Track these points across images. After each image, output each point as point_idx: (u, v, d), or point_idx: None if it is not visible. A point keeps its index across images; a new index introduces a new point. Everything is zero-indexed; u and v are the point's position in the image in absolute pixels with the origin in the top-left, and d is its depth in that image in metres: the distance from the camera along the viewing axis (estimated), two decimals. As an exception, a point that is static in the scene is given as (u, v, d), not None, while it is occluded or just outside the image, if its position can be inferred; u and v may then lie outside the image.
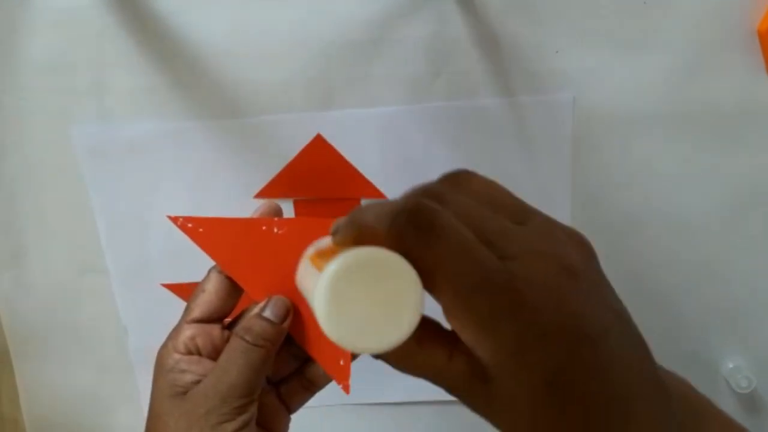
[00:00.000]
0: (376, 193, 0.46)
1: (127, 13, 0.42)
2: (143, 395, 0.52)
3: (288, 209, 0.47)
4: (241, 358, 0.32)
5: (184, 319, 0.34)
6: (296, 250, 0.32)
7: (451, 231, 0.23)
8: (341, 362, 0.32)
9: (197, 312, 0.34)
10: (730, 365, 0.48)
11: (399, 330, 0.23)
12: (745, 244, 0.45)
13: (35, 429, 0.53)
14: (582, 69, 0.42)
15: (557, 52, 0.42)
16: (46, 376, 0.52)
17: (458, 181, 0.27)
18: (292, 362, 0.36)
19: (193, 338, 0.33)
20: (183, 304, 0.49)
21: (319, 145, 0.45)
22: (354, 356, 0.34)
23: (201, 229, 0.34)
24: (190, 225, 0.34)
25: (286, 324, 0.33)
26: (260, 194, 0.46)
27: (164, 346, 0.34)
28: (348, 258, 0.22)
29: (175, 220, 0.34)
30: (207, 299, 0.34)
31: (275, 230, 0.34)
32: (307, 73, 0.43)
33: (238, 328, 0.33)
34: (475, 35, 0.42)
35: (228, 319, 0.36)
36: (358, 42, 0.42)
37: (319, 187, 0.46)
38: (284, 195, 0.46)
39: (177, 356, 0.33)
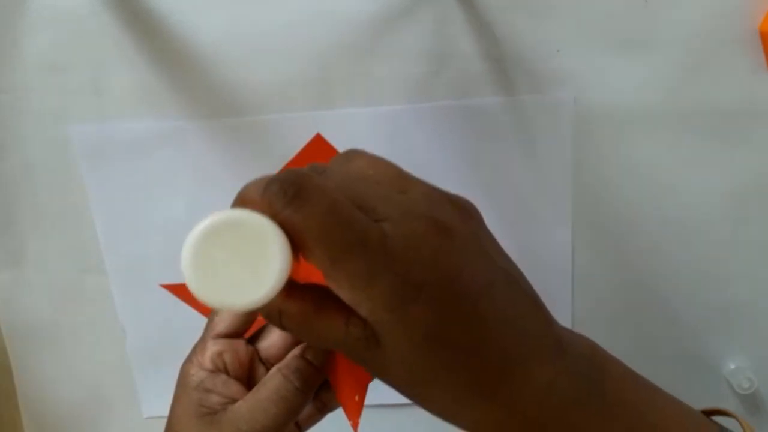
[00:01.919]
0: (375, 193, 0.45)
1: (125, 12, 0.42)
2: (142, 396, 0.52)
3: (287, 209, 0.46)
4: (283, 402, 0.31)
5: (209, 335, 0.34)
6: None
7: (320, 194, 0.23)
8: (356, 398, 0.32)
9: (222, 327, 0.34)
10: (732, 366, 0.48)
11: (263, 286, 0.23)
12: (748, 244, 0.45)
13: (34, 429, 0.53)
14: (583, 68, 0.42)
15: (558, 51, 0.42)
16: (44, 377, 0.52)
17: (346, 158, 0.27)
18: None
19: (220, 354, 0.33)
20: (182, 304, 0.49)
21: (318, 144, 0.44)
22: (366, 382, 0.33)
23: None
24: None
25: (325, 372, 0.33)
26: (259, 194, 0.46)
27: (189, 362, 0.33)
28: (212, 219, 0.23)
29: None
30: (231, 314, 0.34)
31: None
32: (306, 73, 0.43)
33: (285, 368, 0.32)
34: (475, 34, 0.42)
35: (248, 334, 0.35)
36: (358, 41, 0.42)
37: (319, 187, 0.46)
38: (284, 195, 0.46)
39: (203, 374, 0.32)
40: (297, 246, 0.24)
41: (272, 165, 0.45)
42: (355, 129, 0.44)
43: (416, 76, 0.43)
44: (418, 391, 0.26)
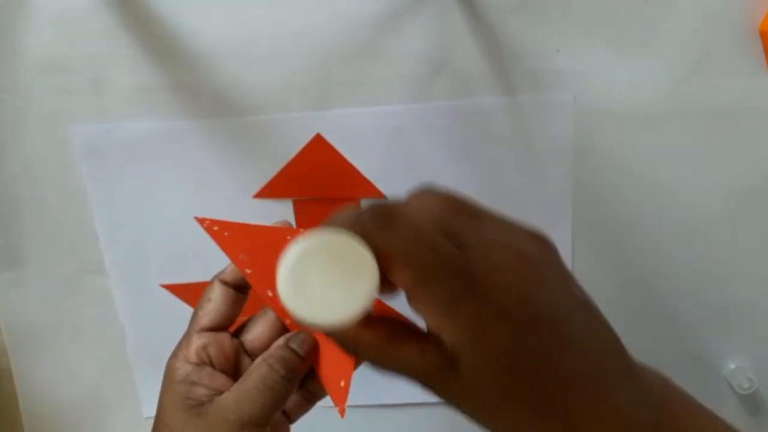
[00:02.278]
0: (375, 192, 0.45)
1: (126, 12, 0.42)
2: (142, 396, 0.52)
3: (287, 209, 0.46)
4: (269, 391, 0.32)
5: (193, 329, 0.34)
6: None
7: (408, 219, 0.25)
8: (342, 384, 0.32)
9: (206, 321, 0.34)
10: (732, 366, 0.48)
11: (353, 306, 0.24)
12: (747, 244, 0.45)
13: (34, 429, 0.53)
14: (583, 68, 0.42)
15: (558, 51, 0.42)
16: (44, 377, 0.52)
17: (422, 192, 0.28)
18: None
19: (204, 347, 0.34)
20: (182, 304, 0.49)
21: (318, 144, 0.45)
22: (356, 364, 0.34)
23: (226, 233, 0.35)
24: (216, 228, 0.35)
25: (309, 360, 0.34)
26: (259, 194, 0.46)
27: (174, 357, 0.34)
28: (309, 238, 0.24)
29: (201, 221, 0.35)
30: (214, 308, 0.35)
31: None
32: (306, 73, 0.43)
33: (270, 358, 0.33)
34: (475, 34, 0.42)
35: (233, 328, 0.36)
36: (358, 42, 0.42)
37: (319, 187, 0.46)
38: (283, 195, 0.46)
39: (189, 367, 0.33)
40: (383, 270, 0.25)
41: (272, 165, 0.45)
42: (355, 129, 0.44)
43: (416, 76, 0.43)
44: (489, 414, 0.26)
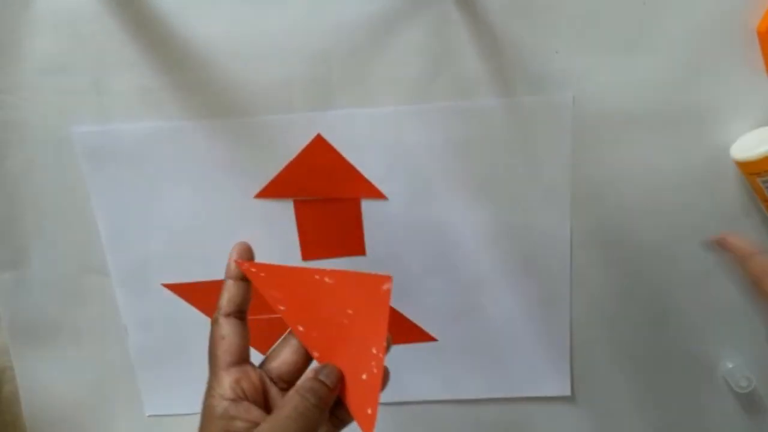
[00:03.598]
0: (376, 193, 0.46)
1: (127, 13, 0.42)
2: (144, 394, 0.52)
3: (288, 209, 0.47)
4: (302, 419, 0.33)
5: (219, 368, 0.36)
6: (343, 298, 0.36)
7: None
8: (369, 411, 0.33)
9: (228, 357, 0.36)
10: (730, 365, 0.48)
11: None
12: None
13: (36, 428, 0.53)
14: (581, 69, 0.42)
15: (557, 52, 0.42)
16: (46, 376, 0.52)
17: None
18: None
19: (238, 382, 0.35)
20: (184, 303, 0.49)
21: (319, 145, 0.45)
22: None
23: (262, 274, 0.37)
24: (253, 270, 0.37)
25: (337, 390, 0.35)
26: (261, 194, 0.46)
27: (210, 396, 0.35)
28: None
29: (240, 264, 0.37)
30: (231, 342, 0.36)
31: (326, 280, 0.37)
32: (307, 73, 0.43)
33: (301, 389, 0.34)
34: (474, 35, 0.42)
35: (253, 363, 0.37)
36: (358, 42, 0.42)
37: (320, 187, 0.46)
38: (284, 195, 0.46)
39: (226, 403, 0.34)
40: None
41: (273, 165, 0.46)
42: (356, 129, 0.44)
43: (416, 76, 0.43)
44: None
